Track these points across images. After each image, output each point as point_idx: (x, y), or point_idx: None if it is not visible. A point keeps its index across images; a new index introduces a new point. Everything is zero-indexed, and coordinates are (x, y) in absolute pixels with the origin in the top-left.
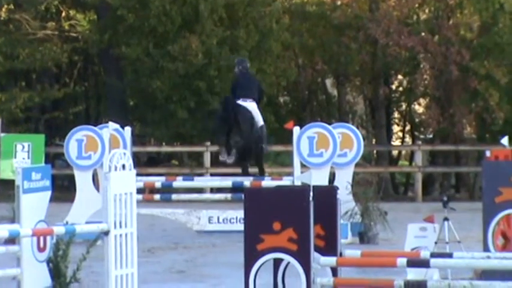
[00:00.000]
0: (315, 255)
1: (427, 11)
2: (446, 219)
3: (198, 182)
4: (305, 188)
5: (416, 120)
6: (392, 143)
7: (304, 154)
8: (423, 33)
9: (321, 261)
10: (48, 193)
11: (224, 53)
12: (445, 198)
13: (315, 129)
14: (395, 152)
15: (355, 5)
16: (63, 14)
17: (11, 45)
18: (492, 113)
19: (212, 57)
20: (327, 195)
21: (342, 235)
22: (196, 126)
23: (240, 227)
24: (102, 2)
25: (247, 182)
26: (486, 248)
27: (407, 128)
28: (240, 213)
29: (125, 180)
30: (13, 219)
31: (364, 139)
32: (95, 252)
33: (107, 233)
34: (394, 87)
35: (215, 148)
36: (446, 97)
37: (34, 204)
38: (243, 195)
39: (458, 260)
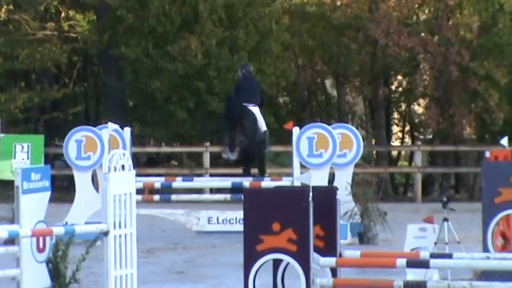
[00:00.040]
0: (314, 256)
1: (426, 11)
2: (445, 219)
3: (197, 182)
4: (305, 188)
5: (416, 120)
6: (392, 143)
7: (303, 155)
8: (423, 34)
9: (321, 262)
10: (48, 194)
11: (223, 54)
12: (445, 199)
13: (314, 130)
14: (394, 153)
15: (355, 5)
16: (63, 14)
17: (11, 45)
18: (492, 114)
19: (211, 58)
20: (326, 195)
21: (341, 236)
22: (195, 126)
23: (240, 227)
24: (102, 2)
25: (246, 182)
26: (486, 249)
27: (407, 128)
28: (240, 214)
29: (124, 181)
30: (12, 219)
31: (363, 139)
32: (95, 252)
33: (106, 233)
34: (393, 87)
35: (215, 149)
36: (446, 97)
37: (33, 205)
38: (242, 196)
39: (458, 261)
